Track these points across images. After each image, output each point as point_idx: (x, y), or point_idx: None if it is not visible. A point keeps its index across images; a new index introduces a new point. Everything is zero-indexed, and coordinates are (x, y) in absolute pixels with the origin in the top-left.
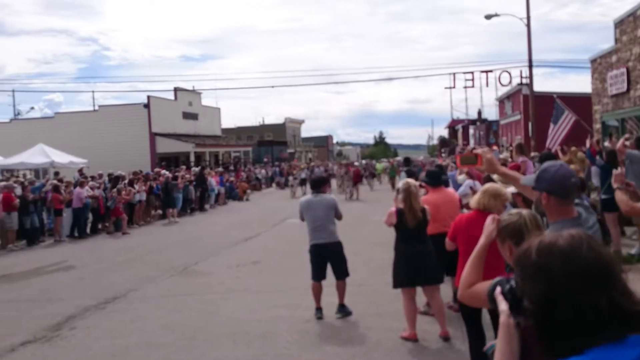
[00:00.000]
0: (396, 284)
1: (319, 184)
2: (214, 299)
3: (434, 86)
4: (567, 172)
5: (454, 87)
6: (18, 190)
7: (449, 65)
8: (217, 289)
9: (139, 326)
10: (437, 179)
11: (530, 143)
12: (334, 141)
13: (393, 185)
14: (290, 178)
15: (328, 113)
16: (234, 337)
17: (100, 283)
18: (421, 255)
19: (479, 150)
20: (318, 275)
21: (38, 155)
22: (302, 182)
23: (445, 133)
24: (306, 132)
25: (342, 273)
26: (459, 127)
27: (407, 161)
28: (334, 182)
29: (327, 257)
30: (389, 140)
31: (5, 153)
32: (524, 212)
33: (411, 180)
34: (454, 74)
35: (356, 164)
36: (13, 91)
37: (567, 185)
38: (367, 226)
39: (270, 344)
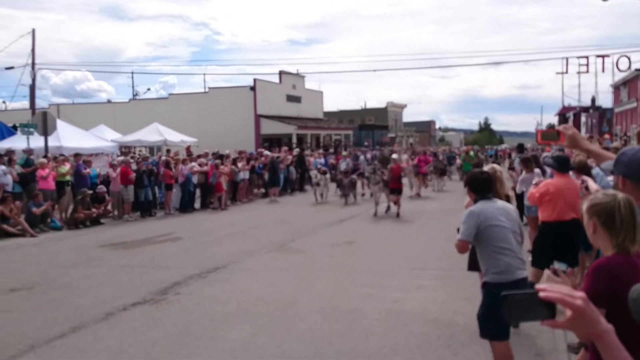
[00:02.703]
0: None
1: (484, 186)
2: (307, 275)
3: (544, 71)
4: None
5: (566, 73)
6: (133, 166)
7: (562, 49)
8: (310, 266)
9: (237, 295)
10: (565, 164)
11: None
12: (437, 126)
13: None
14: (314, 174)
15: (431, 98)
16: (324, 312)
17: (203, 254)
18: None
19: (560, 127)
20: (505, 328)
21: (153, 133)
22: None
23: (555, 120)
24: (408, 116)
25: None
26: (570, 114)
27: (521, 148)
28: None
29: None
30: (494, 127)
31: (124, 131)
32: (620, 195)
33: (496, 166)
34: (567, 58)
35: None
36: (132, 73)
37: None
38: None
39: (358, 321)
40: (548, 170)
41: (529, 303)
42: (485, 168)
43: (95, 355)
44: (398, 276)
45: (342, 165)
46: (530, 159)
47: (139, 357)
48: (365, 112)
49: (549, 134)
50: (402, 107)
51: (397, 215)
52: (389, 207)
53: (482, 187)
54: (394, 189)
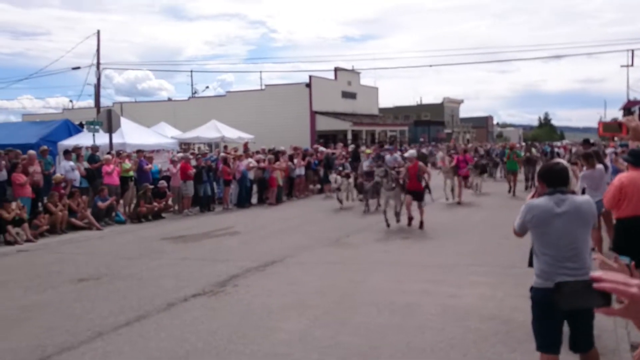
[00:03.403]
0: None
1: (558, 178)
2: (363, 269)
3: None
4: None
5: (631, 65)
6: (193, 162)
7: (627, 41)
8: (366, 260)
9: (293, 288)
10: None
11: None
12: (495, 122)
13: (512, 181)
14: (332, 177)
15: (489, 93)
16: (379, 305)
17: (260, 248)
18: None
19: (623, 119)
20: (552, 341)
21: (211, 130)
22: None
23: (619, 115)
24: (465, 112)
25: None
26: (636, 108)
27: (588, 143)
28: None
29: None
30: (555, 122)
31: (184, 128)
32: None
33: (563, 161)
34: (632, 50)
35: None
36: (191, 72)
37: None
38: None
39: (413, 315)
40: (610, 166)
41: (583, 291)
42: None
43: (158, 342)
44: (454, 272)
45: (365, 165)
46: (592, 154)
47: (200, 345)
48: (421, 107)
49: (611, 126)
50: (459, 102)
51: (421, 225)
52: (410, 220)
53: (556, 179)
54: (413, 191)
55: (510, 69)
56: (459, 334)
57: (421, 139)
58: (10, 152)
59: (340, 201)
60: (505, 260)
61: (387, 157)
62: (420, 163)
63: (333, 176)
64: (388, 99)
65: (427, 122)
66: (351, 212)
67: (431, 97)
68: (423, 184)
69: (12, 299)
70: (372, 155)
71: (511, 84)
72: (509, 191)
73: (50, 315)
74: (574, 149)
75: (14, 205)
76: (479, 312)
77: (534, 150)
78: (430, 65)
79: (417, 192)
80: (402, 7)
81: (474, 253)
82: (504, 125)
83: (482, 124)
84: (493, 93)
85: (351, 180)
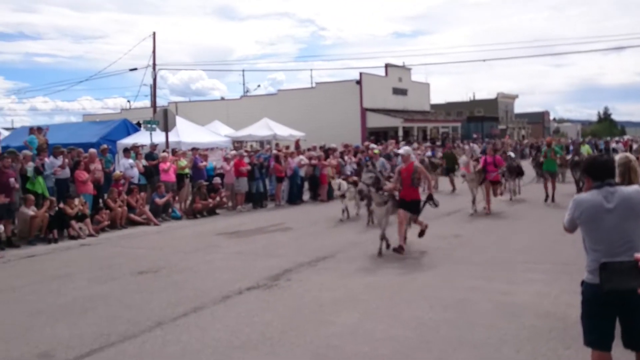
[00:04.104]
0: None
1: (604, 170)
2: (414, 265)
3: None
4: None
5: None
6: (246, 159)
7: None
8: (417, 257)
9: (344, 282)
10: None
11: None
12: (551, 117)
13: (549, 185)
14: (336, 182)
15: (545, 87)
16: (430, 301)
17: (312, 243)
18: None
19: None
20: (602, 337)
21: (263, 128)
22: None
23: None
24: (520, 107)
25: None
26: None
27: None
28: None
29: (621, 307)
30: (615, 117)
31: (236, 126)
32: None
33: (630, 155)
34: None
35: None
36: (243, 71)
37: None
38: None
39: (465, 311)
40: None
41: (629, 272)
42: (617, 157)
43: (214, 333)
44: (507, 269)
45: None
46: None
47: (254, 336)
48: (474, 103)
49: None
50: (514, 97)
51: (421, 233)
52: (401, 248)
53: (601, 171)
54: (407, 202)
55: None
56: (512, 330)
57: (474, 135)
58: (72, 151)
59: (344, 210)
60: (560, 257)
61: (381, 161)
62: (417, 164)
63: (337, 181)
64: (440, 95)
65: (481, 118)
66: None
67: (484, 92)
68: (421, 190)
69: (77, 289)
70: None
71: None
72: (546, 199)
73: (113, 305)
74: (635, 145)
75: (76, 201)
76: (534, 309)
77: (586, 148)
78: (484, 60)
79: (413, 202)
80: (454, 1)
81: (529, 250)
82: (561, 121)
83: (538, 119)
84: (549, 87)
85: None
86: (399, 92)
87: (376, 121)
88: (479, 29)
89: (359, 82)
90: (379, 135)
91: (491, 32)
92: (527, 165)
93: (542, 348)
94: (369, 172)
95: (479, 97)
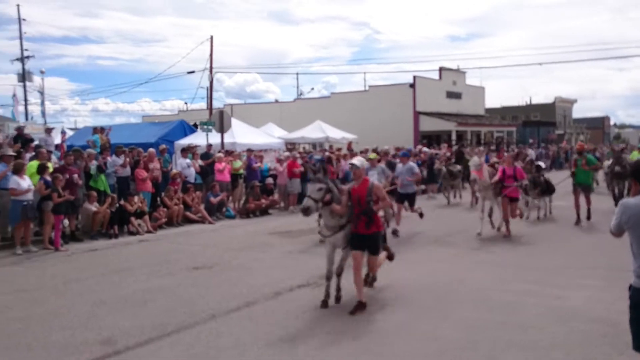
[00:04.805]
0: None
1: None
2: (465, 268)
3: None
4: None
5: None
6: (299, 161)
7: None
8: (468, 259)
9: (393, 283)
10: None
11: None
12: (612, 123)
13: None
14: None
15: (606, 92)
16: (479, 303)
17: None
18: None
19: None
20: None
21: (316, 130)
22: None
23: None
24: (579, 112)
25: None
26: None
27: None
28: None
29: None
30: None
31: (289, 128)
32: None
33: None
34: None
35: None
36: (297, 74)
37: None
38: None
39: (515, 314)
40: None
41: None
42: None
43: (266, 326)
44: (561, 274)
45: (370, 177)
46: None
47: (304, 332)
48: (530, 108)
49: None
50: (572, 102)
51: (370, 283)
52: (361, 305)
53: None
54: (361, 235)
55: (630, 66)
56: (563, 334)
57: (530, 140)
58: (133, 150)
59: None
60: (617, 262)
61: (399, 165)
62: (374, 182)
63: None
64: (495, 99)
65: (537, 123)
66: (457, 209)
67: (541, 96)
68: (381, 215)
69: (137, 282)
70: (380, 162)
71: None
72: (577, 221)
73: (170, 298)
74: None
75: (136, 198)
76: (586, 314)
77: (634, 154)
78: (540, 64)
79: (371, 237)
80: (511, 4)
81: (584, 255)
82: (623, 127)
83: (597, 124)
84: (610, 92)
85: None
86: (453, 95)
87: (429, 125)
88: (535, 32)
89: (412, 86)
90: (431, 139)
91: (549, 36)
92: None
93: (594, 352)
94: (316, 183)
95: (535, 101)
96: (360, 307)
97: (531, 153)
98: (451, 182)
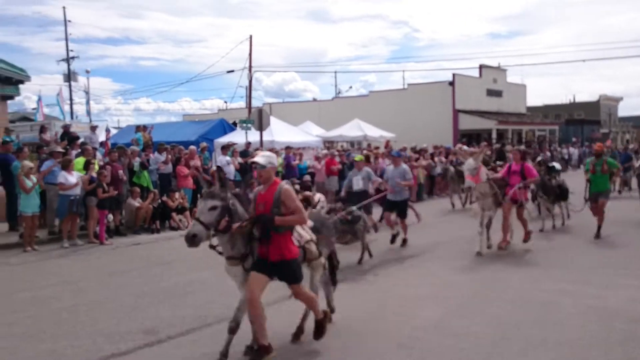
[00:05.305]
0: None
1: None
2: (500, 267)
3: None
4: None
5: None
6: (337, 159)
7: None
8: (504, 258)
9: (429, 280)
10: None
11: None
12: None
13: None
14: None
15: None
16: (514, 301)
17: (399, 242)
18: None
19: None
20: None
21: (354, 129)
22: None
23: None
24: (625, 110)
25: None
26: None
27: None
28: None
29: None
30: None
31: (327, 126)
32: None
33: None
34: None
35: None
36: (335, 72)
37: None
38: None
39: (551, 313)
40: None
41: None
42: None
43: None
44: (599, 274)
45: (354, 182)
46: None
47: (341, 326)
48: (573, 106)
49: None
50: (618, 100)
51: (296, 337)
52: (264, 348)
53: None
54: (271, 262)
55: None
56: (602, 333)
57: (574, 139)
58: (174, 148)
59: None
60: None
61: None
62: (283, 186)
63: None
64: (537, 97)
65: (580, 121)
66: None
67: (585, 94)
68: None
69: (178, 275)
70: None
71: None
72: (597, 235)
73: (209, 291)
74: None
75: (177, 195)
76: (627, 314)
77: None
78: (584, 61)
79: (284, 264)
80: (553, 1)
81: (624, 255)
82: None
83: None
84: None
85: None
86: (494, 93)
87: (469, 123)
88: (578, 29)
89: (451, 84)
90: (471, 137)
91: (593, 32)
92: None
93: (634, 352)
94: (209, 199)
95: (579, 99)
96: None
97: (573, 152)
98: (461, 184)
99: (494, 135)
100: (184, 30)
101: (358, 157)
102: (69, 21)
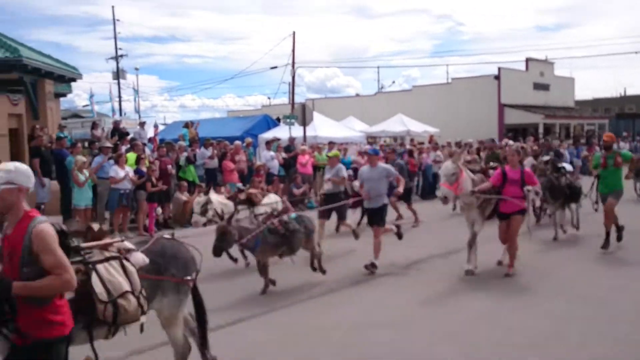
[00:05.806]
0: None
1: None
2: (550, 262)
3: None
4: None
5: None
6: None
7: None
8: (554, 254)
9: (476, 273)
10: None
11: None
12: None
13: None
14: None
15: None
16: (568, 297)
17: (443, 236)
18: None
19: None
20: None
21: (397, 124)
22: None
23: None
24: None
25: None
26: None
27: None
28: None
29: None
30: None
31: (370, 122)
32: None
33: None
34: None
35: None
36: (378, 67)
37: None
38: None
39: (606, 308)
40: None
41: None
42: None
43: (349, 313)
44: None
45: (325, 182)
46: None
47: (386, 318)
48: (624, 99)
49: None
50: None
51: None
52: None
53: None
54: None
55: None
56: None
57: (624, 134)
58: (220, 143)
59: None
60: None
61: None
62: (36, 226)
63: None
64: (586, 91)
65: (632, 115)
66: None
67: (637, 88)
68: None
69: (225, 264)
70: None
71: None
72: (604, 244)
73: (259, 280)
74: None
75: (223, 189)
76: None
77: None
78: (636, 53)
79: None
80: None
81: None
82: None
83: None
84: None
85: None
86: (540, 87)
87: (515, 117)
88: (628, 20)
89: (497, 77)
90: (517, 132)
91: None
92: None
93: None
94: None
95: (630, 92)
96: None
97: (624, 146)
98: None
99: (541, 129)
100: (227, 28)
101: (333, 152)
102: (118, 20)
